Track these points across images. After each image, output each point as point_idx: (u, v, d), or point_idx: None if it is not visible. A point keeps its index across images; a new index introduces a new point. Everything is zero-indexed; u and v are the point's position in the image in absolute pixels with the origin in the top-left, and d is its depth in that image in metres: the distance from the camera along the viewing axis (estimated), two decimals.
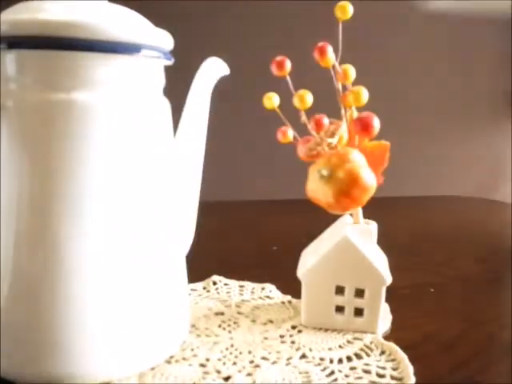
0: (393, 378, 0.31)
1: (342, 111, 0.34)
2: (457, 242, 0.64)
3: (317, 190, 0.34)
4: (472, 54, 1.02)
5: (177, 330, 0.33)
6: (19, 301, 0.28)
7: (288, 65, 0.35)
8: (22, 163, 0.27)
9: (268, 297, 0.43)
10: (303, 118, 0.35)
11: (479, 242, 0.64)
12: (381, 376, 0.31)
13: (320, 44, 0.33)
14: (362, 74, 0.36)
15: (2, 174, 0.28)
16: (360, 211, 0.37)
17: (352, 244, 0.35)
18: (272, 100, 0.36)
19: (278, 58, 0.35)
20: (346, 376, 0.31)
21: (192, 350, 0.33)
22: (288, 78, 0.35)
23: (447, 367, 0.32)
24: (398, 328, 0.38)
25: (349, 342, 0.35)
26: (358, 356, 0.33)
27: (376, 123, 0.33)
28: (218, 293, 0.43)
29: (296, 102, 0.35)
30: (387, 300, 0.37)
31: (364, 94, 0.33)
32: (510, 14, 0.99)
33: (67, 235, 0.27)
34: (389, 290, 0.36)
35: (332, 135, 0.33)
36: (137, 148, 0.29)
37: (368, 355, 0.33)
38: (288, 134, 0.37)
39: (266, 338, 0.35)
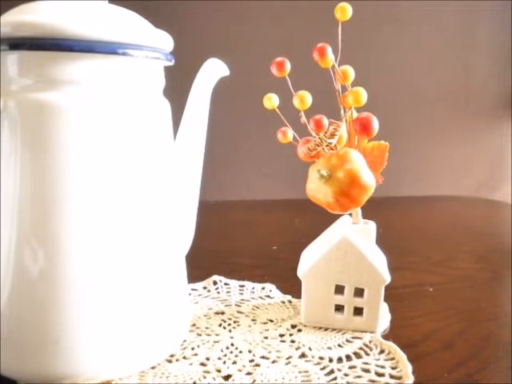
0: (392, 376, 0.31)
1: (342, 112, 0.35)
2: (456, 241, 0.64)
3: (316, 189, 0.34)
4: (472, 54, 1.02)
5: (177, 329, 0.33)
6: (20, 300, 0.28)
7: (288, 66, 0.35)
8: (23, 163, 0.27)
9: (268, 296, 0.43)
10: (303, 118, 0.35)
11: (479, 241, 0.64)
12: (380, 375, 0.31)
13: (319, 45, 0.33)
14: (361, 74, 0.36)
15: (3, 173, 0.28)
16: (359, 211, 0.37)
17: (351, 244, 0.35)
18: (272, 100, 0.36)
19: (278, 59, 0.35)
20: (346, 375, 0.31)
21: (192, 349, 0.34)
22: (288, 78, 0.35)
23: (446, 366, 0.32)
24: (397, 327, 0.38)
25: (348, 341, 0.35)
26: (358, 355, 0.33)
27: (375, 124, 0.33)
28: (219, 292, 0.43)
29: (296, 102, 0.35)
30: (386, 299, 0.37)
31: (363, 95, 0.33)
32: (510, 14, 0.99)
33: (68, 235, 0.28)
34: (388, 289, 0.36)
35: (332, 136, 0.33)
36: (137, 148, 0.29)
37: (367, 354, 0.33)
38: (288, 134, 0.37)
39: (265, 338, 0.35)
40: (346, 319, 0.37)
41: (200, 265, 0.43)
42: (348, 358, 0.33)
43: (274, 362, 0.32)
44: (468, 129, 1.03)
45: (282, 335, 0.36)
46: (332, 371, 0.31)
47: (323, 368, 0.32)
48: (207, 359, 0.32)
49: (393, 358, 0.33)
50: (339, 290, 0.36)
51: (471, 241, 0.64)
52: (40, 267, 0.28)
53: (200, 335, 0.36)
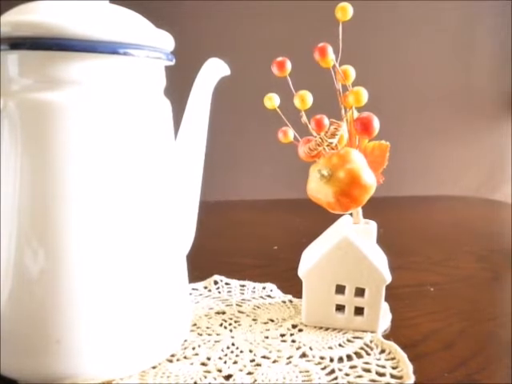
0: (392, 376, 0.31)
1: (343, 111, 0.35)
2: (456, 241, 0.64)
3: (317, 189, 0.34)
4: (472, 54, 1.02)
5: (178, 329, 0.33)
6: (20, 300, 0.28)
7: (288, 65, 0.35)
8: (23, 163, 0.27)
9: (269, 296, 0.43)
10: (304, 118, 0.35)
11: (479, 241, 0.64)
12: (381, 375, 0.31)
13: (320, 45, 0.34)
14: (362, 74, 0.36)
15: (3, 173, 0.28)
16: (360, 211, 0.37)
17: (352, 244, 0.35)
18: (273, 100, 0.36)
19: (279, 59, 0.35)
20: (346, 375, 0.31)
21: (193, 348, 0.34)
22: (288, 78, 0.35)
23: (446, 366, 0.32)
24: (398, 327, 0.38)
25: (349, 340, 0.35)
26: (358, 355, 0.33)
27: (376, 123, 0.33)
28: (219, 292, 0.43)
29: (297, 102, 0.35)
30: (387, 299, 0.37)
31: (364, 95, 0.33)
32: (510, 14, 0.99)
33: (68, 235, 0.28)
34: (389, 289, 0.36)
35: (332, 135, 0.33)
36: (137, 147, 0.29)
37: (368, 354, 0.33)
38: (289, 134, 0.37)
39: (266, 337, 0.35)
40: (347, 319, 0.37)
41: (201, 264, 0.43)
42: (349, 357, 0.33)
43: (274, 361, 0.32)
44: (468, 129, 1.03)
45: (282, 335, 0.36)
46: (333, 371, 0.31)
47: (324, 368, 0.32)
48: (208, 359, 0.32)
49: (393, 358, 0.33)
50: (340, 289, 0.36)
51: (471, 241, 0.64)
52: (40, 267, 0.28)
53: (201, 335, 0.36)
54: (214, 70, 0.35)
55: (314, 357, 0.33)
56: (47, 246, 0.28)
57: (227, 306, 0.41)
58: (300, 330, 0.37)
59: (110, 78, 0.28)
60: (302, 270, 0.37)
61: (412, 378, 0.30)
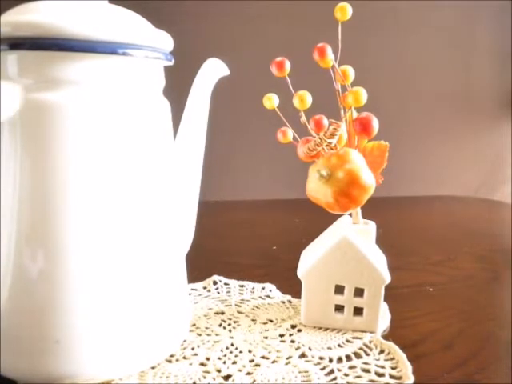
0: (392, 376, 0.31)
1: (342, 112, 0.35)
2: (456, 241, 0.64)
3: (316, 189, 0.34)
4: (472, 54, 1.02)
5: (177, 329, 0.33)
6: (20, 300, 0.28)
7: (288, 65, 0.35)
8: (23, 163, 0.27)
9: (268, 296, 0.43)
10: (303, 118, 0.35)
11: (479, 241, 0.64)
12: (380, 375, 0.31)
13: (319, 45, 0.34)
14: (361, 74, 0.36)
15: (3, 173, 0.28)
16: (359, 211, 0.37)
17: (351, 244, 0.35)
18: (272, 100, 0.36)
19: (278, 59, 0.35)
20: (346, 375, 0.31)
21: (192, 348, 0.34)
22: (288, 78, 0.35)
23: (446, 366, 0.32)
24: (397, 327, 0.38)
25: (348, 341, 0.35)
26: (358, 355, 0.33)
27: (375, 124, 0.33)
28: (219, 292, 0.43)
29: (296, 102, 0.35)
30: (386, 299, 0.37)
31: (363, 95, 0.33)
32: (510, 14, 0.99)
33: (68, 235, 0.28)
34: (388, 289, 0.36)
35: (331, 136, 0.33)
36: (137, 148, 0.29)
37: (367, 354, 0.33)
38: (288, 134, 0.37)
39: (265, 338, 0.35)
40: (346, 319, 0.37)
41: (200, 265, 0.43)
42: (348, 358, 0.33)
43: (273, 362, 0.32)
44: (468, 129, 1.03)
45: (281, 335, 0.36)
46: (332, 371, 0.31)
47: (323, 368, 0.32)
48: (207, 359, 0.32)
49: (393, 358, 0.33)
50: (339, 290, 0.36)
51: (471, 241, 0.64)
52: (40, 267, 0.28)
53: (200, 335, 0.36)
54: (213, 70, 0.35)
55: (313, 357, 0.33)
56: (47, 247, 0.28)
57: (226, 306, 0.41)
58: (299, 331, 0.37)
59: (109, 78, 0.28)
60: (301, 271, 0.37)
61: (411, 379, 0.30)
